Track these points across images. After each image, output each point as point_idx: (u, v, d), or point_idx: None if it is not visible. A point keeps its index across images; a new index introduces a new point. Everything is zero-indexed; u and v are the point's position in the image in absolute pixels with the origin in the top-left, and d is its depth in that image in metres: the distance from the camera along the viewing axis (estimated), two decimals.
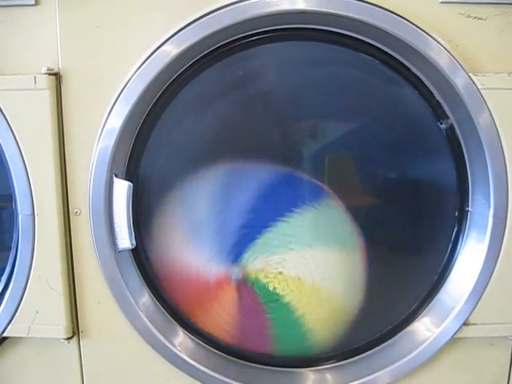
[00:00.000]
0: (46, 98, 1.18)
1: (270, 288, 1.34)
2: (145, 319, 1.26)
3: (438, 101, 1.26)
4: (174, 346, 1.28)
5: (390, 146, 1.32)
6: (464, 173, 1.29)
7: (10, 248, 1.29)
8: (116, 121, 1.18)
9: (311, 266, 1.34)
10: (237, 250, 1.33)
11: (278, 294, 1.35)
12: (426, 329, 1.32)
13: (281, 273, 1.34)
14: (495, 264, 1.25)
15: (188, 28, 1.16)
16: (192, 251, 1.33)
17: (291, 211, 1.31)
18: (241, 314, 1.36)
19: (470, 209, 1.30)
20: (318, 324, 1.38)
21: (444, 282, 1.34)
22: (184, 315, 1.35)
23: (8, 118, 1.19)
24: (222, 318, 1.36)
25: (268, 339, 1.39)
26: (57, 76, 1.19)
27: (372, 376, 1.31)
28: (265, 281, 1.34)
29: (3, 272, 1.30)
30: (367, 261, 1.34)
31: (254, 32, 1.22)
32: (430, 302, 1.35)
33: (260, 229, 1.32)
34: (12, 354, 1.34)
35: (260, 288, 1.34)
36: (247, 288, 1.35)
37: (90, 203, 1.21)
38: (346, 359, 1.38)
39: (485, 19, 1.18)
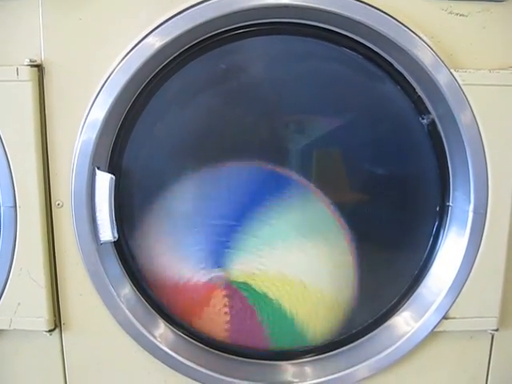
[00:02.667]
0: (29, 89, 1.17)
1: (257, 289, 1.35)
2: (126, 311, 1.26)
3: (419, 96, 1.26)
4: (154, 337, 1.28)
5: (372, 141, 1.33)
6: (445, 168, 1.30)
7: None
8: (99, 113, 1.17)
9: (291, 261, 1.35)
10: (217, 251, 1.33)
11: (265, 294, 1.35)
12: (405, 323, 1.33)
13: (265, 273, 1.34)
14: (475, 258, 1.27)
15: (172, 20, 1.15)
16: (173, 244, 1.33)
17: (264, 207, 1.31)
18: (232, 316, 1.37)
19: (450, 204, 1.31)
20: (307, 318, 1.38)
21: (424, 277, 1.35)
22: (165, 307, 1.35)
23: None
24: (203, 311, 1.36)
25: (262, 337, 1.39)
26: (39, 68, 1.19)
27: (352, 369, 1.32)
28: (249, 282, 1.34)
29: None
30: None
31: (238, 26, 1.22)
32: (410, 297, 1.36)
33: (235, 228, 1.32)
34: None
35: (247, 290, 1.35)
36: (234, 291, 1.35)
37: (72, 195, 1.21)
38: (326, 353, 1.39)
39: (467, 16, 1.19)
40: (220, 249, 1.33)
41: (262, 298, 1.36)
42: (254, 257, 1.34)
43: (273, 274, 1.34)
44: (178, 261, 1.33)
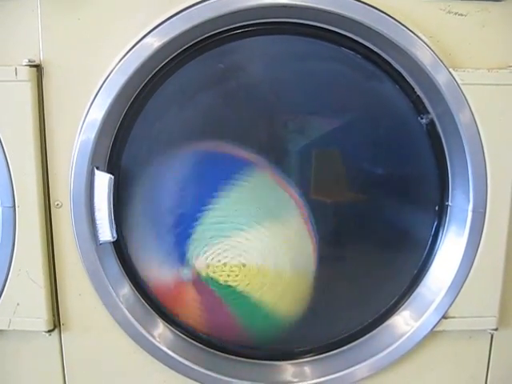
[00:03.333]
0: (28, 89, 1.17)
1: (221, 281, 1.34)
2: (125, 311, 1.26)
3: (418, 96, 1.26)
4: (153, 337, 1.28)
5: (370, 141, 1.33)
6: (444, 168, 1.30)
7: None
8: (97, 113, 1.17)
9: (253, 249, 1.34)
10: (180, 247, 1.33)
11: (230, 286, 1.34)
12: (405, 322, 1.33)
13: (225, 264, 1.33)
14: (474, 258, 1.27)
15: (170, 20, 1.15)
16: (169, 244, 1.33)
17: (216, 196, 1.31)
18: (206, 311, 1.37)
19: (449, 203, 1.31)
20: (278, 306, 1.38)
21: (424, 276, 1.35)
22: (163, 307, 1.35)
23: None
24: (197, 310, 1.37)
25: (238, 329, 1.39)
26: (38, 68, 1.18)
27: (351, 369, 1.32)
28: (214, 275, 1.34)
29: None
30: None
31: (236, 25, 1.22)
32: (409, 296, 1.36)
33: (191, 222, 1.31)
34: None
35: (213, 284, 1.34)
36: (202, 285, 1.35)
37: (71, 196, 1.21)
38: (325, 352, 1.39)
39: (465, 15, 1.19)
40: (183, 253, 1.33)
41: (243, 297, 1.35)
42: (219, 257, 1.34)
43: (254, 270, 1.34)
44: (173, 261, 1.33)
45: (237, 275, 1.33)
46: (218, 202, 1.30)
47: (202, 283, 1.34)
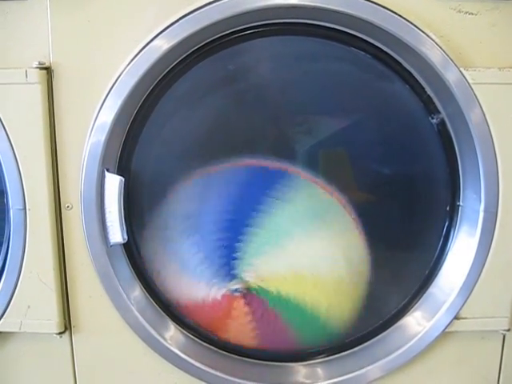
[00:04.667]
0: (38, 92, 1.17)
1: (274, 291, 1.34)
2: (136, 313, 1.26)
3: (429, 95, 1.26)
4: (165, 339, 1.28)
5: (381, 141, 1.32)
6: (455, 167, 1.29)
7: (1, 243, 1.28)
8: (107, 115, 1.18)
9: (301, 259, 1.34)
10: (227, 257, 1.33)
11: (283, 295, 1.35)
12: (417, 323, 1.33)
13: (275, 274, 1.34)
14: (486, 258, 1.26)
15: (179, 22, 1.15)
16: (184, 246, 1.33)
17: (266, 206, 1.31)
18: (255, 322, 1.36)
19: (461, 203, 1.31)
20: (330, 314, 1.38)
21: (435, 276, 1.34)
22: (175, 309, 1.35)
23: None
24: (215, 314, 1.36)
25: (289, 338, 1.39)
26: (48, 70, 1.19)
27: (363, 370, 1.31)
28: (265, 286, 1.34)
29: None
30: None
31: (245, 27, 1.22)
32: (421, 296, 1.35)
33: (241, 232, 1.32)
34: (3, 349, 1.34)
35: (264, 294, 1.34)
36: (253, 297, 1.34)
37: (82, 198, 1.21)
38: (337, 353, 1.39)
39: (476, 14, 1.18)
40: (227, 248, 1.33)
41: (296, 305, 1.35)
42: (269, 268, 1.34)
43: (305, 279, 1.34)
44: (189, 263, 1.33)
45: (288, 284, 1.34)
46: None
47: (251, 295, 1.35)
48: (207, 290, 1.34)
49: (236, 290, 1.33)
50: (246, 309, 1.35)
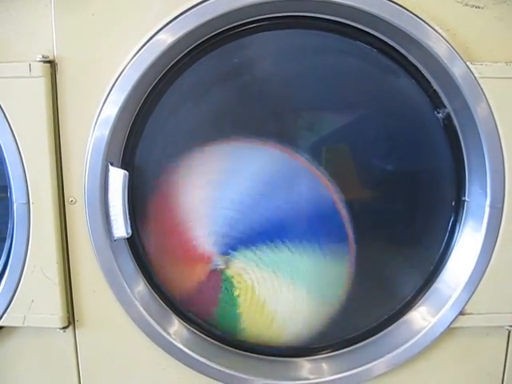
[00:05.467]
0: (41, 85, 1.17)
1: (235, 292, 1.36)
2: (140, 308, 1.26)
3: (435, 90, 1.25)
4: (169, 334, 1.28)
5: (387, 136, 1.32)
6: (461, 162, 1.29)
7: (5, 238, 1.28)
8: (111, 109, 1.17)
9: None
10: (226, 244, 1.33)
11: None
12: (422, 318, 1.33)
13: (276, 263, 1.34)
14: (491, 254, 1.25)
15: (183, 16, 1.15)
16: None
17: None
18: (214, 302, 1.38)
19: (466, 198, 1.30)
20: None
21: (441, 272, 1.34)
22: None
23: (3, 106, 1.18)
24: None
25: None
26: (52, 64, 1.19)
27: (368, 365, 1.31)
28: (235, 282, 1.35)
29: None
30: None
31: (250, 20, 1.21)
32: (426, 291, 1.35)
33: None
34: (7, 343, 1.34)
35: (226, 286, 1.35)
36: (218, 280, 1.35)
37: (86, 192, 1.21)
38: (342, 349, 1.38)
39: (482, 8, 1.17)
40: (226, 240, 1.33)
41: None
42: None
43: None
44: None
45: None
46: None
47: (219, 277, 1.35)
48: (209, 281, 1.34)
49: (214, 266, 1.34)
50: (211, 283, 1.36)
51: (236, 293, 1.36)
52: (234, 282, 1.35)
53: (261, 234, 1.32)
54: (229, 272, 1.35)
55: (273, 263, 1.34)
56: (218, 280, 1.35)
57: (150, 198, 1.30)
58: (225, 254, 1.33)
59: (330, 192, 1.31)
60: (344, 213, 1.31)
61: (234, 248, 1.33)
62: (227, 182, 1.31)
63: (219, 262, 1.34)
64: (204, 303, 1.37)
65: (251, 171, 1.31)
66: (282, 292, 1.36)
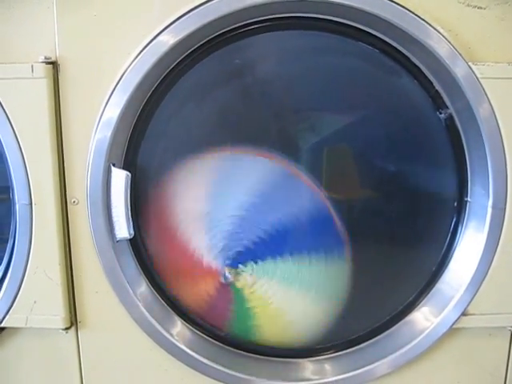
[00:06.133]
0: (44, 86, 1.17)
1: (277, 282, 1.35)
2: (142, 309, 1.26)
3: (437, 90, 1.25)
4: (171, 335, 1.28)
5: (389, 136, 1.32)
6: (463, 163, 1.29)
7: (7, 239, 1.28)
8: (113, 110, 1.17)
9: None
10: (228, 248, 1.33)
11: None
12: (424, 318, 1.33)
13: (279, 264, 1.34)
14: (494, 254, 1.25)
15: (185, 17, 1.15)
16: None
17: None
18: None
19: (468, 199, 1.30)
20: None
21: (443, 272, 1.34)
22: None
23: (5, 107, 1.18)
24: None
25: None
26: (54, 65, 1.19)
27: (371, 366, 1.31)
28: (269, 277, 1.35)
29: (1, 262, 1.29)
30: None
31: (252, 21, 1.21)
32: (429, 292, 1.35)
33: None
34: (10, 344, 1.34)
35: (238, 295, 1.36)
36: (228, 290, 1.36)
37: (88, 193, 1.21)
38: (345, 349, 1.38)
39: (485, 8, 1.17)
40: (231, 246, 1.33)
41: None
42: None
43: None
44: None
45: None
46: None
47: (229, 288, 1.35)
48: (212, 283, 1.34)
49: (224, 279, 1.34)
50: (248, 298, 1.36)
51: (246, 302, 1.37)
52: (242, 290, 1.35)
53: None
54: (237, 281, 1.35)
55: (277, 269, 1.34)
56: (225, 288, 1.35)
57: (152, 199, 1.30)
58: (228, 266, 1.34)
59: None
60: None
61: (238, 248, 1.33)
62: (227, 182, 1.31)
63: (226, 273, 1.34)
64: (207, 303, 1.37)
65: (252, 173, 1.31)
66: (289, 297, 1.36)
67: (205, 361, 1.28)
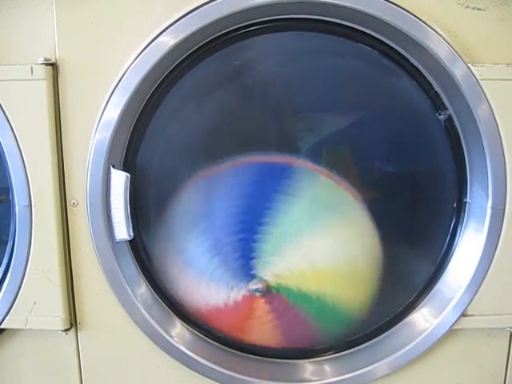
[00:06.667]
0: (43, 88, 1.17)
1: (295, 289, 1.33)
2: (142, 310, 1.26)
3: (436, 92, 1.25)
4: (171, 337, 1.28)
5: (388, 138, 1.32)
6: (462, 164, 1.29)
7: (7, 240, 1.28)
8: (113, 111, 1.17)
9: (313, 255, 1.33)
10: (242, 259, 1.32)
11: (303, 292, 1.34)
12: (424, 319, 1.32)
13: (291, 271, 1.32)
14: (493, 255, 1.25)
15: (185, 18, 1.15)
16: (190, 242, 1.32)
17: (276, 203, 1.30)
18: (278, 320, 1.36)
19: (468, 200, 1.30)
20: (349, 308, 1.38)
21: (442, 273, 1.34)
22: (182, 306, 1.35)
23: (5, 108, 1.18)
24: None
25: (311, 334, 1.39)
26: (54, 66, 1.19)
27: (370, 367, 1.31)
28: (285, 283, 1.33)
29: (0, 264, 1.29)
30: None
31: (252, 22, 1.21)
32: (428, 293, 1.35)
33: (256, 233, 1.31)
34: (9, 345, 1.34)
35: (286, 291, 1.33)
36: (275, 296, 1.33)
37: (88, 194, 1.21)
38: (345, 350, 1.38)
39: (484, 9, 1.18)
40: (248, 266, 1.33)
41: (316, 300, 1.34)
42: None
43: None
44: (195, 260, 1.33)
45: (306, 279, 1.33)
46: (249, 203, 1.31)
47: (272, 293, 1.33)
48: (215, 288, 1.33)
49: (256, 290, 1.32)
50: (266, 306, 1.34)
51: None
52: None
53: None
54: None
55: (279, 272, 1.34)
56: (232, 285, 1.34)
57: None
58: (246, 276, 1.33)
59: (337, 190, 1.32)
60: None
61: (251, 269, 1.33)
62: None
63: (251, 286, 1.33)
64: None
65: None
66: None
67: (204, 362, 1.28)
